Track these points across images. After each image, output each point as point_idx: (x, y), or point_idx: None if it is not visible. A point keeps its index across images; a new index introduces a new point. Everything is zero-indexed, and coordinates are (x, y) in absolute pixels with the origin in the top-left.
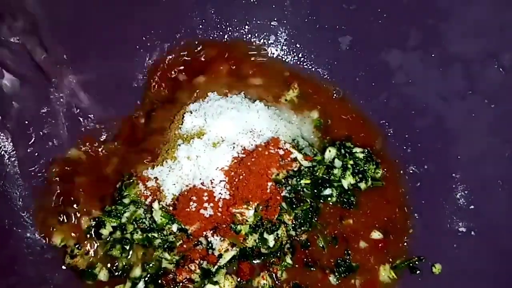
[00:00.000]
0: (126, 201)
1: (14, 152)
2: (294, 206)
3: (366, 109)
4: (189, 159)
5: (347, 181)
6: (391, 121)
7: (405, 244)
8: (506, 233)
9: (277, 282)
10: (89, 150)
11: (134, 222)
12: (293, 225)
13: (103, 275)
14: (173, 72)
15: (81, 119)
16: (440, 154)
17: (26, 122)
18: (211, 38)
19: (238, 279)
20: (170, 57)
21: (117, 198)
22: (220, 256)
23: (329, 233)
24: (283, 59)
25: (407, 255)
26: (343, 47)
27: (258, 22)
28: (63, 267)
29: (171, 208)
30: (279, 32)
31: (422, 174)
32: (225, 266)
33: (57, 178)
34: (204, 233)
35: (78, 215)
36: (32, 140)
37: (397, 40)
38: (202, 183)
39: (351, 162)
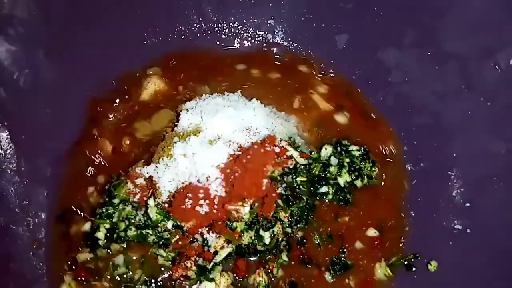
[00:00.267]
0: (115, 201)
1: (11, 149)
2: (290, 203)
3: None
4: (185, 157)
5: (343, 178)
6: (387, 119)
7: (401, 244)
8: (501, 231)
9: (273, 279)
10: None
11: (125, 220)
12: (289, 222)
13: None
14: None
15: None
16: (436, 152)
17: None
18: (209, 37)
19: (234, 275)
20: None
21: (107, 199)
22: (216, 253)
23: (325, 231)
24: (280, 57)
25: (403, 252)
26: (339, 45)
27: (255, 20)
28: None
29: (166, 205)
30: (276, 31)
31: (418, 172)
32: (221, 263)
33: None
34: (200, 230)
35: None
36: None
37: (393, 38)
38: (198, 180)
39: (347, 160)
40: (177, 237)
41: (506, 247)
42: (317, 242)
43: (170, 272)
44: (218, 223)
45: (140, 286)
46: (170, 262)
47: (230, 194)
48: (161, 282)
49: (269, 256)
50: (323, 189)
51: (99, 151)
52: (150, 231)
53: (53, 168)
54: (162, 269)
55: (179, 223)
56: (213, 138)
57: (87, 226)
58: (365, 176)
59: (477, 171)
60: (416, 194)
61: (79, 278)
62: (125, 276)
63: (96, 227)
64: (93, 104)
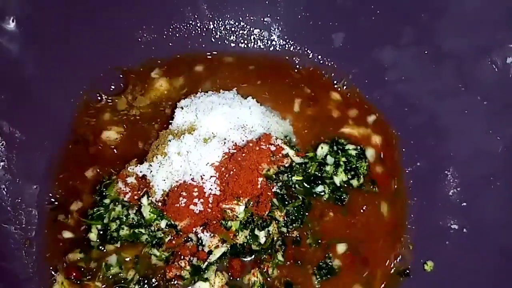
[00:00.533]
0: (106, 201)
1: (2, 147)
2: (285, 202)
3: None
4: (180, 155)
5: (339, 178)
6: (384, 118)
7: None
8: (498, 230)
9: (268, 279)
10: None
11: (116, 220)
12: (284, 222)
13: None
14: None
15: None
16: (432, 151)
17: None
18: (204, 34)
19: (229, 275)
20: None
21: (98, 199)
22: (210, 252)
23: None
24: (276, 55)
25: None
26: (336, 43)
27: (251, 18)
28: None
29: (160, 204)
30: (273, 29)
31: (414, 171)
32: (216, 263)
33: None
34: (194, 229)
35: None
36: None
37: (390, 37)
38: (193, 179)
39: (344, 159)
40: (171, 236)
41: (503, 246)
42: (308, 242)
43: (164, 272)
44: (213, 222)
45: (134, 286)
46: (163, 262)
47: (225, 192)
48: (154, 282)
49: (264, 256)
50: (319, 188)
51: (94, 149)
52: (143, 230)
53: (46, 166)
54: (156, 269)
55: (173, 222)
56: (208, 136)
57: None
58: (362, 176)
59: (473, 170)
60: (412, 194)
61: (71, 277)
62: (118, 276)
63: (88, 228)
64: (87, 102)
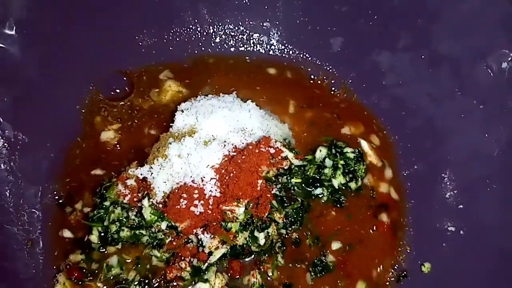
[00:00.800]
0: (107, 203)
1: (6, 148)
2: (285, 204)
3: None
4: (180, 157)
5: (338, 180)
6: (382, 121)
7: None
8: (494, 232)
9: (268, 278)
10: None
11: (116, 222)
12: (283, 224)
13: None
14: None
15: None
16: (429, 154)
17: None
18: (204, 39)
19: (229, 275)
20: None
21: (98, 202)
22: (211, 253)
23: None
24: (275, 59)
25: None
26: (334, 48)
27: (250, 22)
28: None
29: (161, 205)
30: (272, 33)
31: (412, 174)
32: (216, 264)
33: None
34: (195, 230)
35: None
36: (24, 137)
37: (387, 41)
38: (193, 181)
39: (342, 162)
40: (171, 237)
41: (499, 248)
42: (309, 243)
43: (164, 273)
44: (213, 224)
45: (134, 287)
46: (164, 263)
47: (225, 194)
48: (155, 283)
49: (263, 257)
50: (318, 190)
51: (97, 150)
52: (144, 232)
53: (49, 168)
54: (156, 270)
55: (173, 224)
56: (208, 139)
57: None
58: (359, 178)
59: (470, 173)
60: (410, 196)
61: (72, 278)
62: (119, 276)
63: (89, 230)
64: (90, 104)
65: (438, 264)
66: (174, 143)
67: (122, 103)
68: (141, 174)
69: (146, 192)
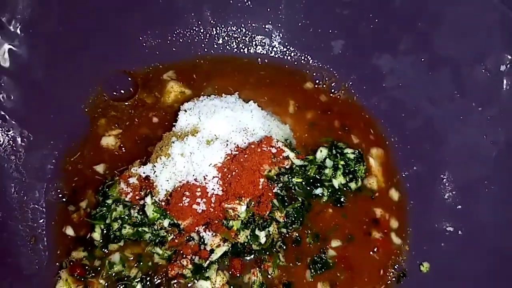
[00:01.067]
0: (109, 201)
1: (11, 146)
2: (285, 203)
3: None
4: (183, 156)
5: (338, 180)
6: (382, 123)
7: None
8: (492, 232)
9: (269, 276)
10: None
11: (118, 220)
12: (284, 223)
13: None
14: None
15: None
16: (429, 155)
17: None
18: (206, 40)
19: (230, 274)
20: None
21: (101, 200)
22: (212, 251)
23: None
24: (277, 61)
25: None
26: (335, 50)
27: (253, 24)
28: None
29: (163, 203)
30: (274, 35)
31: (411, 175)
32: (217, 262)
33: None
34: (197, 228)
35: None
36: (30, 134)
37: (388, 44)
38: (195, 179)
39: (342, 162)
40: (174, 235)
41: (497, 247)
42: (309, 242)
43: (166, 270)
44: (215, 222)
45: (136, 284)
46: (166, 261)
47: (227, 192)
48: (157, 280)
49: (264, 256)
50: (318, 190)
51: (100, 149)
52: (146, 229)
53: (54, 165)
54: (158, 267)
55: (176, 221)
56: (211, 138)
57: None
58: (359, 179)
59: (469, 174)
60: (409, 197)
61: (75, 275)
62: (121, 274)
63: (91, 227)
64: (94, 103)
65: (437, 263)
66: (177, 142)
67: (126, 103)
68: (144, 173)
69: (148, 190)
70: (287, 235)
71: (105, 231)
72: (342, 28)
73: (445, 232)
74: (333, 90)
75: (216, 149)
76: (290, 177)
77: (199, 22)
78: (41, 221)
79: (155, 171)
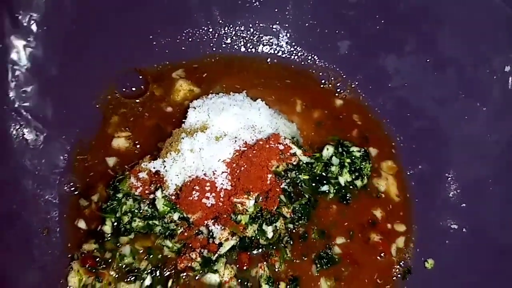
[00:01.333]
0: (119, 195)
1: (24, 139)
2: (292, 200)
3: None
4: (192, 152)
5: (344, 178)
6: (387, 122)
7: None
8: (495, 230)
9: (276, 270)
10: None
11: (128, 213)
12: (291, 218)
13: None
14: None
15: None
16: (433, 155)
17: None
18: (215, 40)
19: (237, 266)
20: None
21: (111, 194)
22: (221, 245)
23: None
24: (284, 61)
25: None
26: (342, 51)
27: (260, 24)
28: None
29: (173, 197)
30: (281, 35)
31: (416, 174)
32: (225, 256)
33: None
34: (206, 222)
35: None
36: (44, 128)
37: (394, 45)
38: (205, 174)
39: (348, 160)
40: (183, 228)
41: (500, 245)
42: (314, 237)
43: (175, 263)
44: (224, 216)
45: (146, 276)
46: (175, 254)
47: (236, 187)
48: (166, 272)
49: (271, 250)
50: (325, 187)
51: (115, 145)
52: (157, 222)
53: (67, 158)
54: (167, 260)
55: (185, 215)
56: (220, 134)
57: (83, 225)
58: (365, 176)
59: (473, 173)
60: (414, 195)
61: (86, 266)
62: (131, 265)
63: (102, 221)
64: (107, 99)
65: (441, 260)
66: (186, 138)
67: (137, 100)
68: (154, 168)
69: (159, 184)
70: (293, 231)
71: (115, 224)
72: (348, 28)
73: (449, 230)
74: (338, 90)
75: (225, 145)
76: (297, 174)
77: (208, 22)
78: (54, 213)
79: (165, 166)
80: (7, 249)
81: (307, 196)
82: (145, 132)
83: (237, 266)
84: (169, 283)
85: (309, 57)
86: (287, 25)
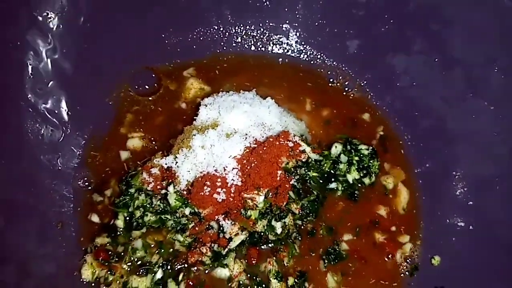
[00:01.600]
0: (131, 190)
1: (40, 134)
2: (301, 196)
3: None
4: (203, 148)
5: (352, 176)
6: (395, 121)
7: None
8: (502, 228)
9: (285, 264)
10: None
11: (140, 208)
12: (299, 215)
13: None
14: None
15: None
16: (441, 153)
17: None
18: (226, 39)
19: (247, 261)
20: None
21: (124, 189)
22: (231, 239)
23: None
24: (293, 60)
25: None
26: (351, 50)
27: (270, 24)
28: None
29: (184, 193)
30: (291, 34)
31: (423, 172)
32: (235, 250)
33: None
34: (216, 217)
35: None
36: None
37: (402, 45)
38: (216, 170)
39: (356, 158)
40: (194, 223)
41: (506, 243)
42: (322, 233)
43: (186, 257)
44: (234, 211)
45: (157, 269)
46: (186, 248)
47: (246, 183)
48: (177, 266)
49: (280, 246)
50: (333, 185)
51: (130, 145)
52: (169, 216)
53: (82, 153)
54: (178, 254)
55: (196, 210)
56: (230, 131)
57: (96, 219)
58: (373, 174)
59: (480, 171)
60: (421, 193)
61: (99, 259)
62: (143, 259)
63: (114, 215)
64: (120, 96)
65: (448, 257)
66: (198, 135)
67: (150, 98)
68: (166, 164)
69: (170, 180)
70: (302, 227)
71: (128, 219)
72: (357, 28)
73: (456, 227)
74: (347, 89)
75: (236, 142)
76: (306, 171)
77: (219, 21)
78: (68, 207)
79: (176, 162)
80: (23, 241)
81: (315, 193)
82: (157, 129)
83: (246, 261)
84: (180, 277)
85: (318, 56)
86: (296, 24)
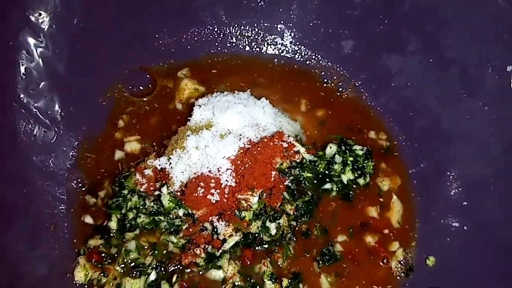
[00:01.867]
0: (125, 192)
1: (33, 135)
2: (296, 197)
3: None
4: (197, 149)
5: (347, 176)
6: (390, 122)
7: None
8: (496, 228)
9: (279, 265)
10: None
11: (133, 209)
12: (294, 215)
13: None
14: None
15: None
16: (435, 154)
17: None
18: (220, 39)
19: (241, 262)
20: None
21: (117, 190)
22: (225, 241)
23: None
24: (288, 60)
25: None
26: (345, 50)
27: (265, 24)
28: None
29: (178, 194)
30: (285, 35)
31: (418, 172)
32: (229, 252)
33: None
34: (210, 218)
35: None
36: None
37: (397, 45)
38: (210, 171)
39: (351, 158)
40: (188, 224)
41: (501, 243)
42: (317, 234)
43: (180, 258)
44: (228, 212)
45: (151, 271)
46: (180, 249)
47: (240, 184)
48: (170, 268)
49: (274, 247)
50: (327, 185)
51: (128, 149)
52: (162, 218)
53: (75, 154)
54: (172, 255)
55: (190, 211)
56: (224, 132)
57: (89, 220)
58: (368, 175)
59: (474, 172)
60: (416, 193)
61: (92, 261)
62: (136, 261)
63: (108, 217)
64: (114, 97)
65: (442, 257)
66: (192, 136)
67: (145, 99)
68: (159, 165)
69: (164, 181)
70: (296, 228)
71: (121, 220)
72: (352, 28)
73: (450, 228)
74: (341, 89)
75: (230, 143)
76: (300, 171)
77: (213, 22)
78: (61, 209)
79: (170, 163)
80: (15, 243)
81: (310, 193)
82: (151, 130)
83: (241, 262)
84: (174, 278)
85: (313, 57)
86: (291, 24)
